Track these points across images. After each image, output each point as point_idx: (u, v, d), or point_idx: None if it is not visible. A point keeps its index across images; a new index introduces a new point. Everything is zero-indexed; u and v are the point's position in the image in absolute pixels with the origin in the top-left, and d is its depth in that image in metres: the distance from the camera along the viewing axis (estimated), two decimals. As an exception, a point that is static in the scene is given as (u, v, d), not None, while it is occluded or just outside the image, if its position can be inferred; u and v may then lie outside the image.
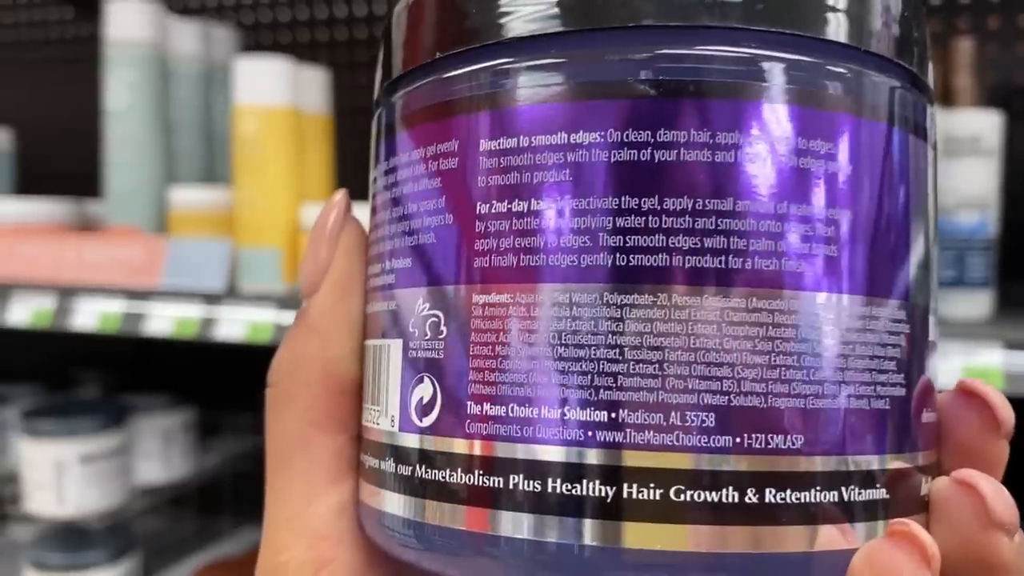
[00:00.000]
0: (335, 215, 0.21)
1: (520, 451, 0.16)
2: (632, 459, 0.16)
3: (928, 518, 0.18)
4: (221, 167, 1.05)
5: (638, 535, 0.15)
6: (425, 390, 0.17)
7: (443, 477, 0.17)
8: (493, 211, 0.17)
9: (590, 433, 0.16)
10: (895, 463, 0.17)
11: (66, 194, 1.08)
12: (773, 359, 0.16)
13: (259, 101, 0.86)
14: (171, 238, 0.90)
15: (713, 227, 0.16)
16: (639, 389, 0.16)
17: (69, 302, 0.89)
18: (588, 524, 0.16)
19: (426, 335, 0.17)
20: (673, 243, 0.16)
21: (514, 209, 0.16)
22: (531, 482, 0.16)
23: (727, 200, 0.16)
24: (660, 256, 0.16)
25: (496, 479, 0.16)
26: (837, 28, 0.17)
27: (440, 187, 0.17)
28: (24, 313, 0.90)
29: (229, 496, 1.32)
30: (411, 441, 0.18)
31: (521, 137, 0.17)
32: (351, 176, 1.25)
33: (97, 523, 0.99)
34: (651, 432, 0.15)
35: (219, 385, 1.30)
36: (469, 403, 0.16)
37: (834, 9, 0.17)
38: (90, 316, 0.88)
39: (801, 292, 0.16)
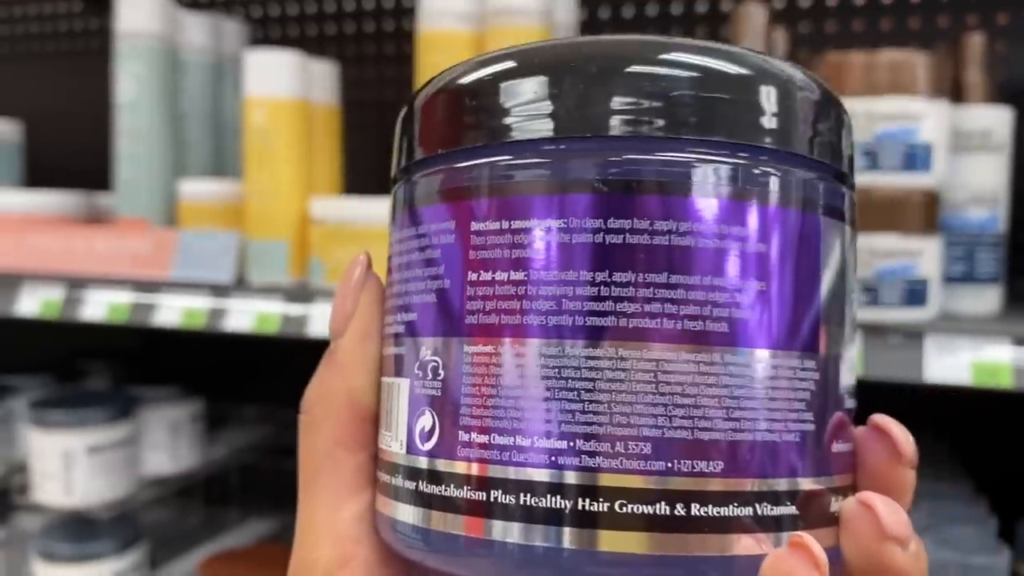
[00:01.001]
0: (359, 271, 0.25)
1: (499, 471, 0.20)
2: (583, 479, 0.20)
3: (836, 531, 0.22)
4: (230, 159, 1.05)
5: (589, 539, 0.20)
6: (426, 421, 0.22)
7: (442, 491, 0.21)
8: (480, 279, 0.21)
9: (553, 458, 0.20)
10: (805, 486, 0.21)
11: (75, 186, 1.08)
12: (698, 400, 0.20)
13: (268, 93, 0.86)
14: (180, 230, 0.91)
15: (652, 295, 0.20)
16: (591, 424, 0.20)
17: (78, 293, 0.89)
18: (553, 530, 0.20)
19: (428, 376, 0.22)
20: (619, 308, 0.20)
21: (496, 278, 0.21)
22: (509, 496, 0.20)
23: (662, 274, 0.20)
24: (608, 318, 0.20)
25: (481, 493, 0.20)
26: (755, 133, 0.21)
27: (440, 257, 0.22)
28: (33, 304, 0.90)
29: (236, 488, 1.32)
30: (415, 462, 0.22)
31: (502, 221, 0.21)
32: (359, 168, 1.25)
33: (104, 513, 0.99)
34: (599, 458, 0.20)
35: (226, 377, 1.30)
36: (460, 432, 0.21)
37: (756, 115, 0.21)
38: (99, 307, 0.88)
39: (720, 347, 0.20)
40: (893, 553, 0.21)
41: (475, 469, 0.21)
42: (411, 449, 0.22)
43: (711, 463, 0.20)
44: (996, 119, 0.75)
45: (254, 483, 1.34)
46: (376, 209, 0.84)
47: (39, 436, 0.97)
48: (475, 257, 0.21)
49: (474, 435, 0.21)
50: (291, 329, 0.82)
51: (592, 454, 0.20)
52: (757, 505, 0.20)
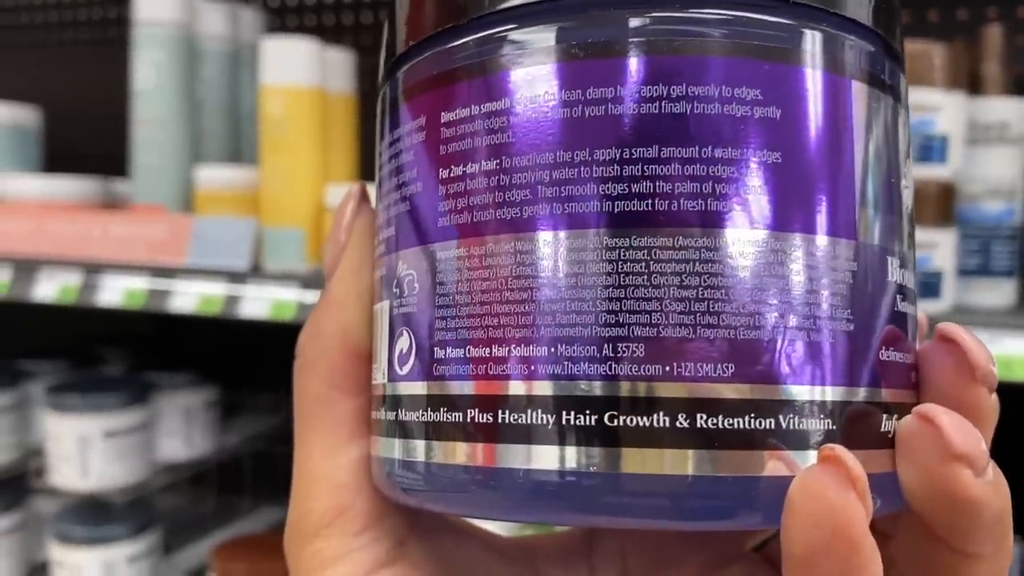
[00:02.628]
0: (352, 203, 0.23)
1: (493, 387, 0.18)
2: (565, 389, 0.17)
3: (893, 454, 0.18)
4: (247, 147, 1.06)
5: (552, 457, 0.17)
6: (403, 342, 0.19)
7: (421, 417, 0.19)
8: (451, 175, 0.19)
9: (533, 367, 0.17)
10: (842, 396, 0.18)
11: (93, 173, 1.09)
12: (700, 292, 0.17)
13: (285, 81, 0.87)
14: (196, 217, 0.91)
15: (639, 173, 0.17)
16: (574, 325, 0.17)
17: (95, 279, 0.90)
18: (520, 449, 0.17)
19: (404, 293, 0.19)
20: (602, 190, 0.17)
21: (466, 172, 0.18)
22: (510, 415, 0.17)
23: (652, 148, 0.17)
24: (591, 203, 0.17)
25: (472, 415, 0.18)
26: None
27: (412, 160, 0.20)
28: (50, 289, 0.91)
29: (249, 475, 1.33)
30: (396, 389, 0.20)
31: (472, 107, 0.19)
32: (374, 156, 1.25)
33: (119, 498, 1.00)
34: (585, 363, 0.17)
35: (241, 365, 1.31)
36: (435, 349, 0.18)
37: None
38: (115, 293, 0.89)
39: (726, 230, 0.17)
40: (960, 476, 0.17)
41: (446, 388, 0.18)
42: (391, 376, 0.20)
43: (719, 365, 0.17)
44: (1013, 111, 0.74)
45: (267, 470, 1.35)
46: (391, 197, 0.84)
47: (55, 420, 0.98)
48: (446, 151, 0.19)
49: (449, 350, 0.18)
50: (307, 316, 0.82)
51: (577, 360, 0.17)
52: (781, 418, 0.17)
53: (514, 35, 0.18)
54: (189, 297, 0.87)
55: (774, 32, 0.18)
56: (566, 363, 0.17)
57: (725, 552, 0.25)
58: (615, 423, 0.17)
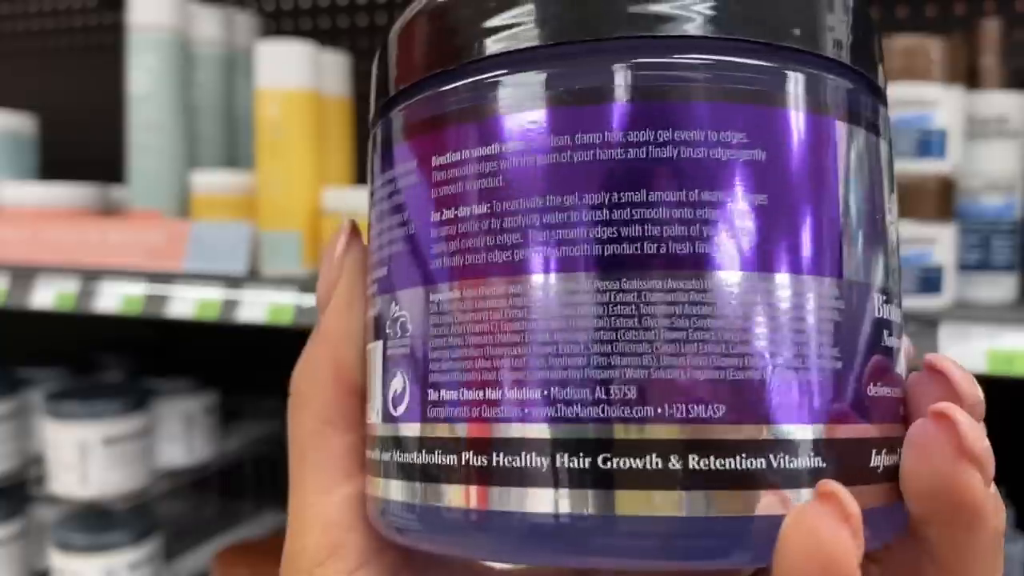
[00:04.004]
0: (343, 238, 0.23)
1: (485, 429, 0.18)
2: (559, 432, 0.17)
3: (882, 488, 0.18)
4: (243, 151, 1.05)
5: (547, 500, 0.17)
6: (397, 383, 0.19)
7: (417, 460, 0.19)
8: (443, 218, 0.19)
9: (527, 409, 0.17)
10: (832, 434, 0.18)
11: (89, 179, 1.08)
12: (690, 334, 0.17)
13: (281, 85, 0.86)
14: (193, 222, 0.91)
15: (628, 217, 0.17)
16: (567, 368, 0.17)
17: (92, 285, 0.90)
18: (515, 492, 0.17)
19: (397, 334, 0.20)
20: (592, 234, 0.17)
21: (459, 215, 0.18)
22: (502, 457, 0.17)
23: (640, 192, 0.17)
24: (581, 247, 0.17)
25: (466, 457, 0.18)
26: (748, 28, 0.18)
27: (406, 200, 0.20)
28: (48, 296, 0.91)
29: (250, 480, 1.33)
30: (391, 430, 0.20)
31: (463, 151, 0.19)
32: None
33: (120, 504, 1.00)
34: (578, 406, 0.17)
35: (240, 370, 1.31)
36: (430, 391, 0.19)
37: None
38: (113, 299, 0.89)
39: (715, 271, 0.17)
40: (971, 481, 0.17)
41: (443, 431, 0.18)
42: (386, 417, 0.20)
43: (710, 406, 0.17)
44: (1012, 105, 0.74)
45: (268, 475, 1.35)
46: (388, 199, 0.84)
47: (55, 428, 0.98)
48: (438, 195, 0.19)
49: (442, 392, 0.18)
50: (305, 320, 0.82)
51: (569, 403, 0.17)
52: (772, 457, 0.17)
53: (505, 80, 0.19)
54: (187, 302, 0.87)
55: (756, 75, 0.18)
56: (559, 405, 0.17)
57: None
58: (608, 465, 0.17)
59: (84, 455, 0.97)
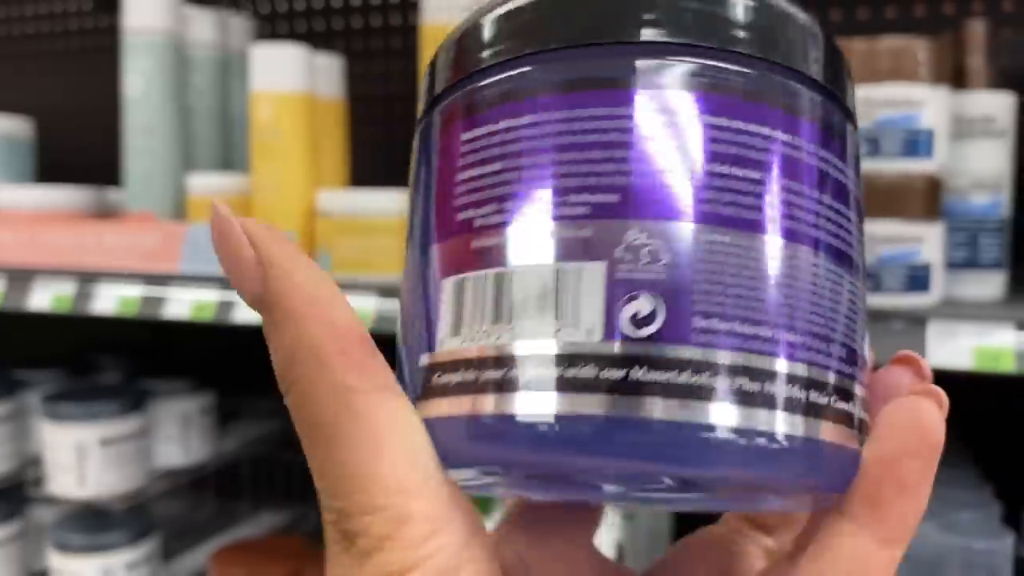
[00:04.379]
0: (229, 217, 0.20)
1: (733, 358, 0.20)
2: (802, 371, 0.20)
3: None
4: (238, 153, 1.06)
5: (811, 428, 0.20)
6: (643, 305, 0.20)
7: (659, 377, 0.20)
8: (719, 171, 0.21)
9: (792, 351, 0.20)
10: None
11: (86, 182, 1.09)
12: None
13: (275, 88, 0.87)
14: (189, 224, 0.91)
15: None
16: (813, 324, 0.21)
17: (89, 287, 0.90)
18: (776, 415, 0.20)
19: (642, 260, 0.20)
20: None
21: (735, 173, 0.21)
22: (738, 382, 0.20)
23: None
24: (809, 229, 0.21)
25: (712, 378, 0.20)
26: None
27: (658, 137, 0.21)
28: (45, 298, 0.91)
29: (247, 480, 1.33)
30: (625, 348, 0.20)
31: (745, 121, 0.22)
32: (364, 161, 1.26)
33: (117, 505, 1.01)
34: (820, 356, 0.21)
35: (237, 370, 1.31)
36: (695, 318, 0.20)
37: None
38: (109, 301, 0.89)
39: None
40: (932, 409, 0.20)
41: (713, 356, 0.20)
42: (609, 335, 0.20)
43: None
44: (998, 105, 0.75)
45: (265, 475, 1.36)
46: (382, 201, 0.85)
47: (52, 429, 0.98)
48: (713, 149, 0.21)
49: (713, 322, 0.20)
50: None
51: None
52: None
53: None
54: (183, 304, 0.88)
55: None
56: (812, 352, 0.21)
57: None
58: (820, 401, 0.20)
59: (81, 456, 0.98)
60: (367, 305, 0.82)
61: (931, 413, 0.19)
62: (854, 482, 0.20)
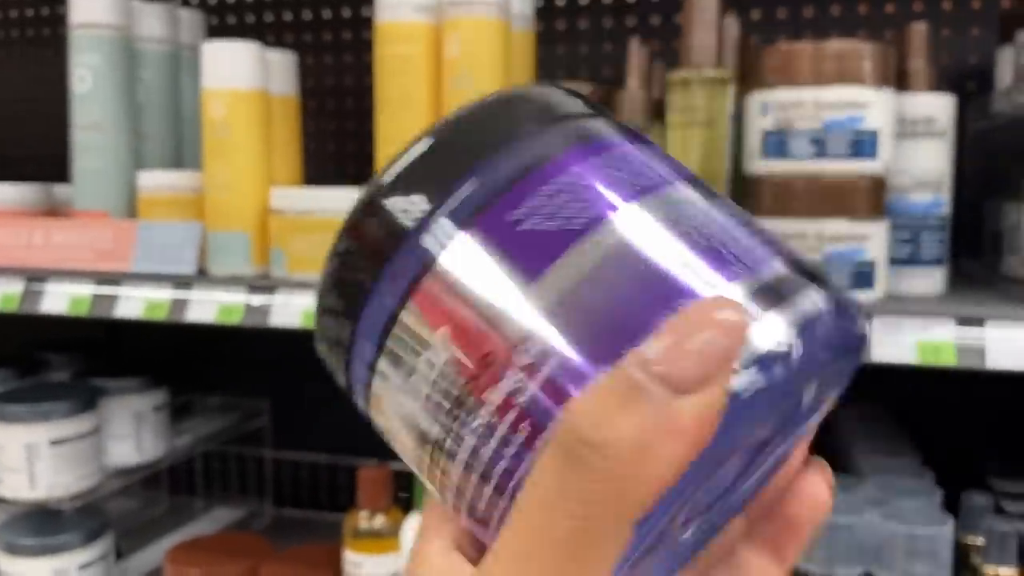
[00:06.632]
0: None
1: None
2: None
3: None
4: (190, 150, 1.05)
5: None
6: None
7: None
8: None
9: None
10: None
11: (33, 179, 1.07)
12: None
13: (227, 85, 0.87)
14: (140, 222, 0.91)
15: None
16: None
17: (38, 286, 0.89)
18: None
19: None
20: None
21: None
22: None
23: None
24: None
25: None
26: None
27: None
28: (-8, 297, 0.90)
29: (201, 476, 1.32)
30: None
31: None
32: (316, 156, 1.25)
33: (69, 506, 0.99)
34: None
35: (190, 366, 1.30)
36: None
37: None
38: (59, 300, 0.88)
39: None
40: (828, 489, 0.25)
41: None
42: None
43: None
44: (939, 106, 0.77)
45: (219, 471, 1.35)
46: (336, 198, 0.85)
47: (1, 429, 0.97)
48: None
49: None
50: (254, 319, 0.83)
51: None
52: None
53: None
54: (135, 302, 0.87)
55: None
56: None
57: None
58: None
59: (32, 456, 0.97)
60: (323, 304, 0.82)
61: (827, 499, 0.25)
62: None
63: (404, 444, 0.22)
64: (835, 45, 0.70)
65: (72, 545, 0.97)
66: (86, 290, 0.88)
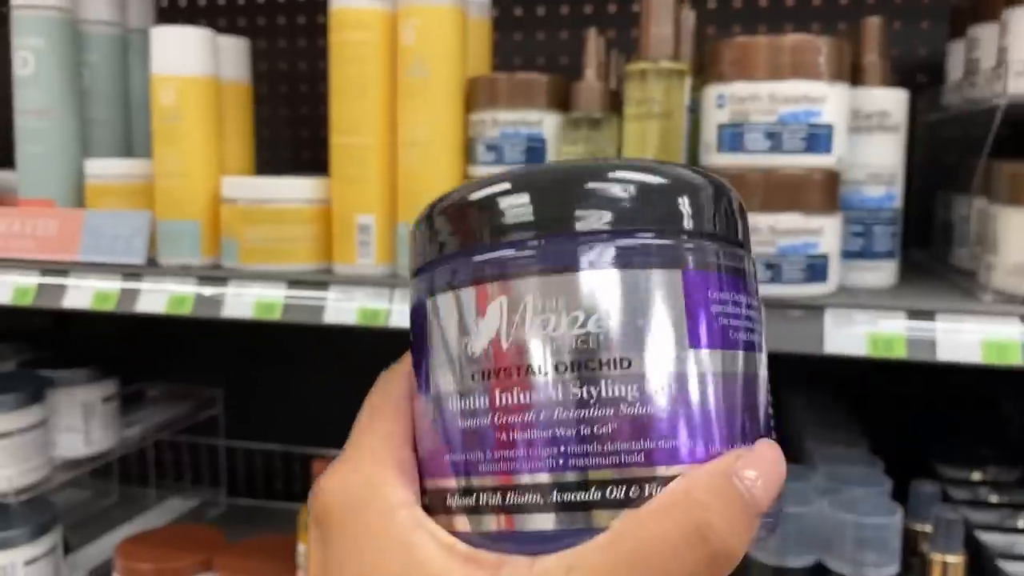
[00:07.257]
0: None
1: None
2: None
3: None
4: (139, 137, 1.03)
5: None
6: None
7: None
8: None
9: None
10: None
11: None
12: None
13: (176, 71, 0.85)
14: (88, 211, 0.89)
15: None
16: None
17: (-19, 276, 0.87)
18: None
19: None
20: None
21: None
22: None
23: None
24: None
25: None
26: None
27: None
28: (-67, 287, 0.87)
29: (153, 466, 1.31)
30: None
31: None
32: (268, 142, 1.23)
33: (15, 499, 0.97)
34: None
35: (140, 356, 1.28)
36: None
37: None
38: (3, 289, 0.86)
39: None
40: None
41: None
42: None
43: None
44: (892, 100, 0.78)
45: (171, 462, 1.33)
46: (290, 187, 0.83)
47: (-56, 422, 0.95)
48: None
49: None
50: (205, 310, 0.82)
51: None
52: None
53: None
54: (83, 292, 0.85)
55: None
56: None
57: None
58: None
59: (-24, 450, 0.94)
60: (276, 295, 0.81)
61: None
62: None
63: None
64: (791, 39, 0.70)
65: (19, 540, 0.95)
66: (31, 280, 0.86)
